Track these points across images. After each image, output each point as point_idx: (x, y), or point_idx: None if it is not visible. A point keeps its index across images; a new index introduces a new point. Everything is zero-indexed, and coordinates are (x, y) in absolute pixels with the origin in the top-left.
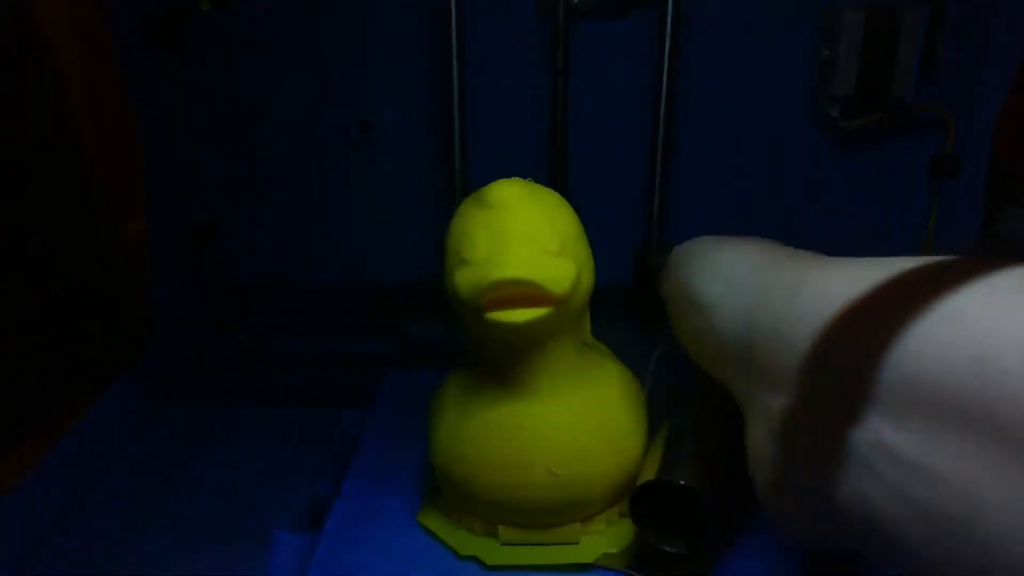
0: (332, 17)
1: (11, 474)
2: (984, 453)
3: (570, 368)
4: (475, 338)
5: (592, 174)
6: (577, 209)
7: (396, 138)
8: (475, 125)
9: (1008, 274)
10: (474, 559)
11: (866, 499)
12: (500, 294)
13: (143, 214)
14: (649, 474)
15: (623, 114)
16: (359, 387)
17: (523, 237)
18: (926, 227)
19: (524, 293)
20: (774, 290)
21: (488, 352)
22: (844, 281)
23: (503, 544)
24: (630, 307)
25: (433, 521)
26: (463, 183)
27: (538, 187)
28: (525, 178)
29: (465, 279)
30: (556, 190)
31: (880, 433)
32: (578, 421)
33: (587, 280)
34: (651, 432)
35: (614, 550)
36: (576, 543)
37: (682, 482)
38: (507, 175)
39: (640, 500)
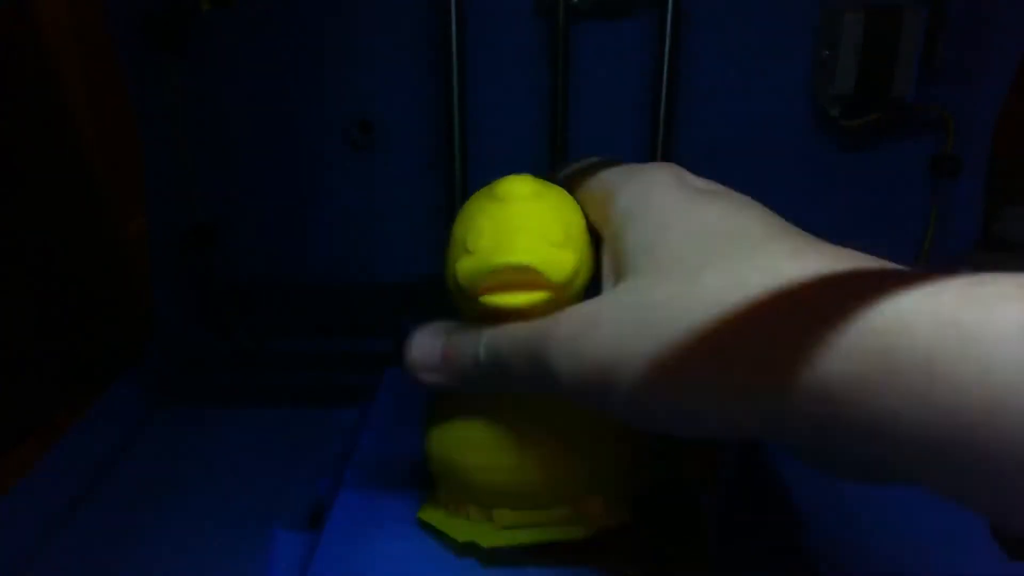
0: (332, 17)
1: (11, 474)
2: None
3: None
4: None
5: None
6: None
7: (396, 138)
8: (475, 125)
9: None
10: (472, 544)
11: None
12: (500, 280)
13: (143, 214)
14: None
15: (623, 114)
16: (359, 387)
17: (528, 229)
18: (926, 227)
19: (524, 279)
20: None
21: None
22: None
23: (500, 528)
24: None
25: (431, 515)
26: (463, 183)
27: (548, 183)
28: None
29: (466, 266)
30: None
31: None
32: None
33: (585, 274)
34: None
35: (613, 524)
36: (574, 522)
37: (683, 482)
38: (507, 174)
39: (645, 500)
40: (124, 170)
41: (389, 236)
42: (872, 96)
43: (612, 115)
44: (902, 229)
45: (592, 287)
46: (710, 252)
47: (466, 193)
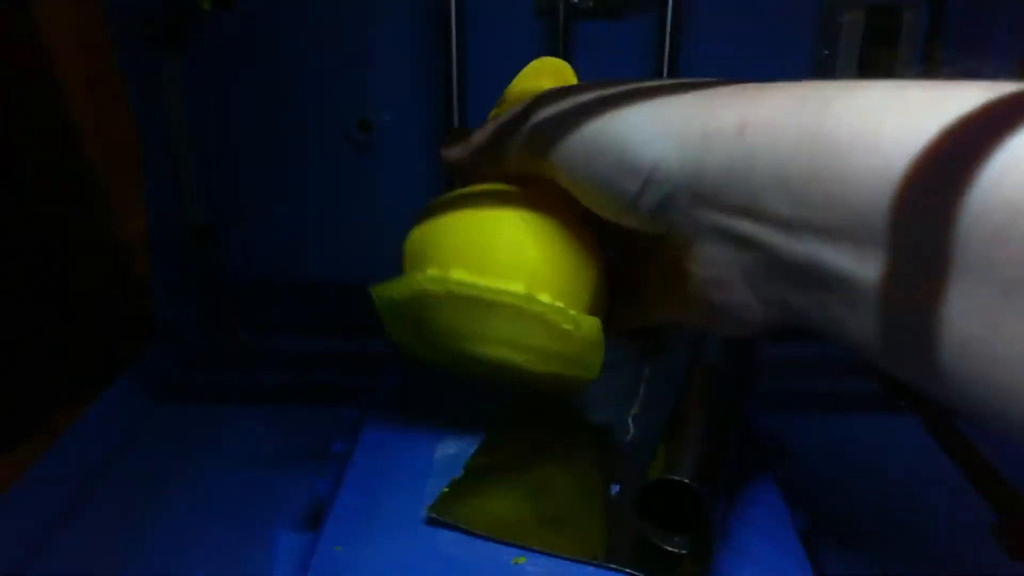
0: (332, 17)
1: (11, 474)
2: None
3: None
4: None
5: None
6: None
7: (396, 138)
8: (475, 125)
9: None
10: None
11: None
12: None
13: (143, 214)
14: (655, 473)
15: None
16: (359, 387)
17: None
18: None
19: None
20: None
21: None
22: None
23: (456, 282)
24: None
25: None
26: None
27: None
28: None
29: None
30: None
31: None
32: None
33: None
34: (655, 430)
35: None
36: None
37: (686, 481)
38: None
39: (645, 499)
40: (124, 170)
41: (389, 236)
42: None
43: None
44: None
45: None
46: None
47: None
